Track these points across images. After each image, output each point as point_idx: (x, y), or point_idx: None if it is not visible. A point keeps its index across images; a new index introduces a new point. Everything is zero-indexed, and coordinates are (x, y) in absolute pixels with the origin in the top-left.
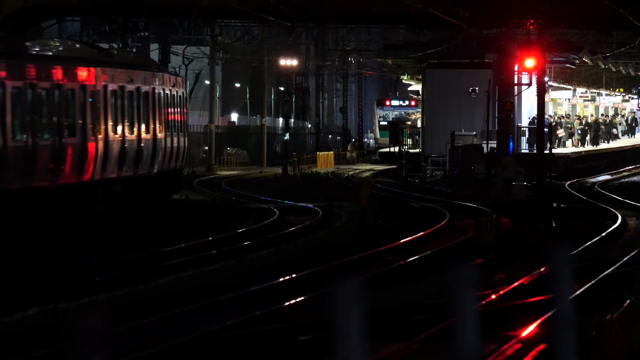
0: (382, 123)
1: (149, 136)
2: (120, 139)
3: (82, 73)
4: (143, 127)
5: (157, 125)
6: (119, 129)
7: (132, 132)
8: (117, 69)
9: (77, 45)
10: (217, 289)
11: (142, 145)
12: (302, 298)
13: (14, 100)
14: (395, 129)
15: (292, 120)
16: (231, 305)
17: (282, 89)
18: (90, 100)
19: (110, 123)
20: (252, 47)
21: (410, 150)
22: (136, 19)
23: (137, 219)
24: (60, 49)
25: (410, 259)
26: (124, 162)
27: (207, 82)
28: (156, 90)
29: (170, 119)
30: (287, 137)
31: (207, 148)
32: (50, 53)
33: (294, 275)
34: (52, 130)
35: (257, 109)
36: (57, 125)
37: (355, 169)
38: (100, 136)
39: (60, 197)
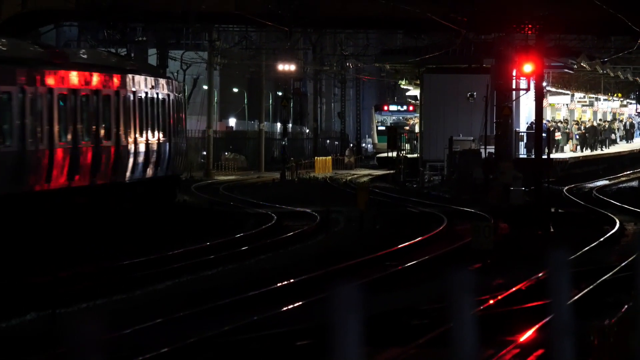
0: (380, 128)
1: (166, 140)
2: (145, 142)
3: (116, 80)
4: (161, 131)
5: (171, 130)
6: (144, 133)
7: (153, 136)
8: (143, 76)
9: (105, 55)
10: (215, 294)
11: (161, 149)
12: (300, 303)
13: (59, 106)
14: (393, 134)
15: (290, 125)
16: (229, 310)
17: (280, 94)
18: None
19: (137, 127)
20: (250, 52)
21: (408, 156)
22: (134, 24)
23: (137, 223)
24: (85, 56)
25: (408, 264)
26: (148, 165)
27: (205, 87)
28: (171, 97)
29: (176, 124)
30: (285, 142)
31: (205, 153)
32: (78, 61)
33: (291, 281)
34: (91, 134)
35: (255, 114)
36: (96, 128)
37: (353, 174)
38: (130, 140)
39: (97, 197)
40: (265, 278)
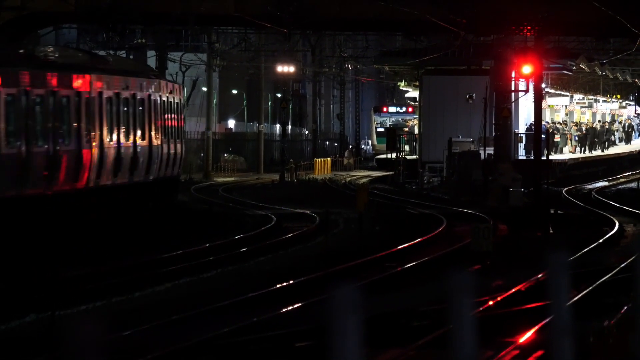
0: (379, 129)
1: (179, 142)
2: (166, 143)
3: (149, 85)
4: (173, 133)
5: (180, 132)
6: (165, 134)
7: (172, 137)
8: (166, 82)
9: (130, 61)
10: (215, 296)
11: (178, 149)
12: (300, 304)
13: (108, 108)
14: (393, 136)
15: (289, 126)
16: (228, 312)
17: (279, 95)
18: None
19: (161, 128)
20: (249, 54)
21: (408, 157)
22: (133, 26)
23: (138, 224)
24: (111, 60)
25: (408, 266)
26: (168, 164)
27: (204, 88)
28: (182, 101)
29: (182, 125)
30: (284, 143)
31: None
32: (115, 67)
33: (291, 282)
34: (128, 134)
35: (254, 116)
36: (133, 128)
37: (353, 176)
38: (157, 140)
39: (135, 193)
40: (265, 279)
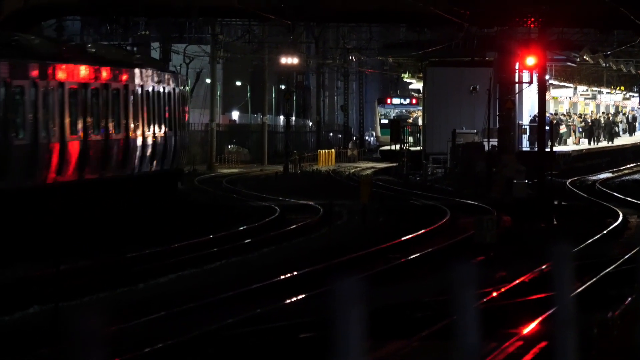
0: (383, 121)
1: (186, 133)
2: (179, 135)
3: (171, 79)
4: (186, 125)
5: (187, 124)
6: (180, 126)
7: (182, 129)
8: (177, 75)
9: (149, 57)
10: (218, 287)
11: (185, 141)
12: (303, 296)
13: (147, 101)
14: (397, 127)
15: (293, 118)
16: (232, 303)
17: (283, 87)
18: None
19: (180, 118)
20: (252, 46)
21: (412, 148)
22: (137, 18)
23: (141, 215)
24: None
25: (411, 257)
26: (180, 155)
27: (208, 80)
28: (187, 93)
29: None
30: (288, 135)
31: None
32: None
33: (295, 273)
34: (160, 125)
35: (258, 107)
36: (164, 120)
37: (357, 167)
38: (179, 131)
39: (157, 181)
40: (269, 271)
